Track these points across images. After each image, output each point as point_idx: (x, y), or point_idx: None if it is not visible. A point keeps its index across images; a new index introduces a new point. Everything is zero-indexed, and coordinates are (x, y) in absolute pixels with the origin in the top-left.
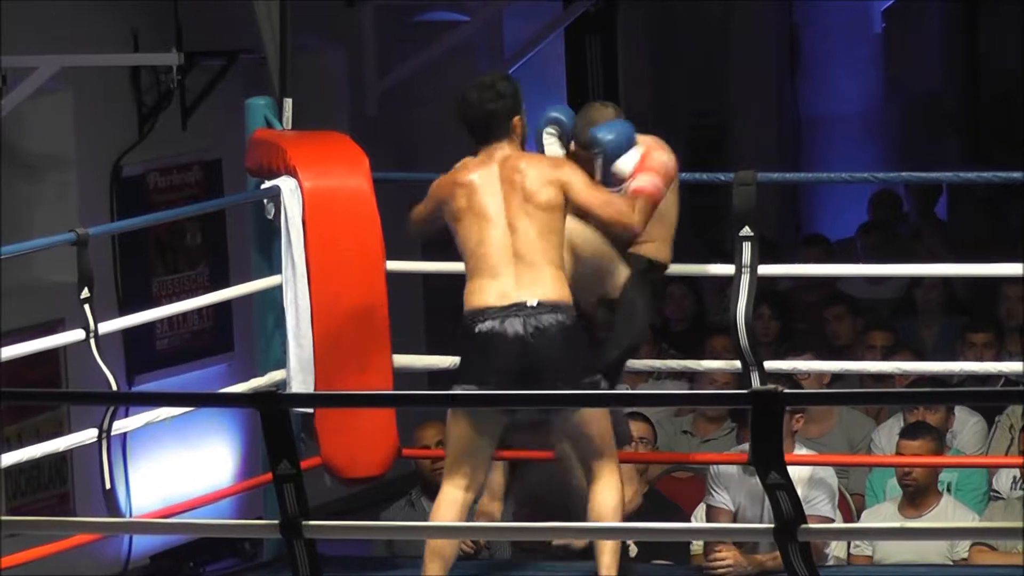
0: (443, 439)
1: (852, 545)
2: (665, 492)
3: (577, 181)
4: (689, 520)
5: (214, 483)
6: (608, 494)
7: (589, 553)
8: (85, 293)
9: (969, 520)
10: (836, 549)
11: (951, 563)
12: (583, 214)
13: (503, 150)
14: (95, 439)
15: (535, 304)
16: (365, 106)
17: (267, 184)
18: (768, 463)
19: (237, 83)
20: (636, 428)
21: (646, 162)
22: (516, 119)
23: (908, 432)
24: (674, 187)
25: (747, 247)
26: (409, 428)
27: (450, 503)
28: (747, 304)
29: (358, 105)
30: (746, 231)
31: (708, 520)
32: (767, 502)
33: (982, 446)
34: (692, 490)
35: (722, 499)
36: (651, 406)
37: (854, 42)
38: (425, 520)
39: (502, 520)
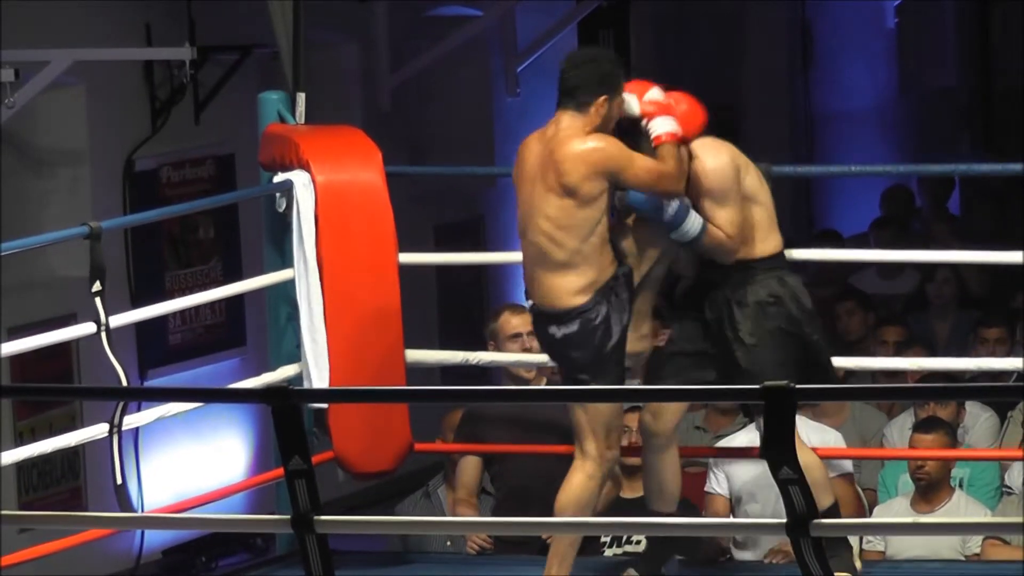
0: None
1: (864, 540)
2: None
3: (628, 164)
4: (700, 515)
5: (226, 478)
6: (567, 491)
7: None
8: (97, 287)
9: (981, 515)
10: None
11: (963, 558)
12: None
13: (562, 121)
14: (107, 434)
15: (530, 305)
16: (378, 100)
17: (280, 178)
18: (780, 458)
19: (250, 77)
20: (636, 419)
21: (648, 103)
22: (602, 96)
23: (921, 426)
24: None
25: None
26: (422, 422)
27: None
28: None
29: (371, 99)
30: None
31: (705, 506)
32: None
33: (994, 441)
34: (704, 485)
35: (719, 487)
36: (662, 401)
37: (867, 37)
38: (442, 512)
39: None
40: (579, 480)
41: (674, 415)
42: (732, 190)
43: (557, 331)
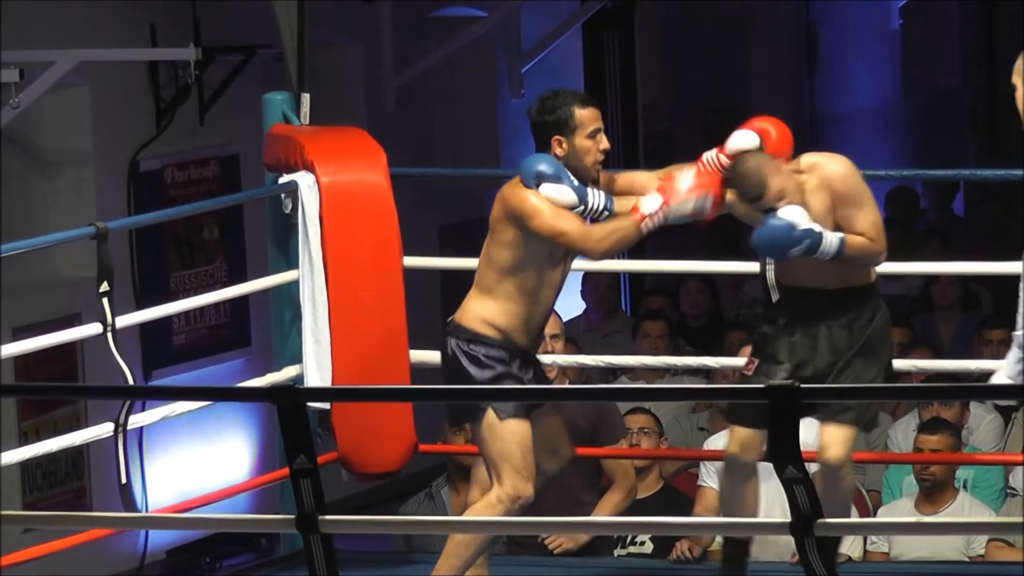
0: None
1: (868, 541)
2: (681, 488)
3: (533, 215)
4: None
5: (231, 478)
6: (474, 509)
7: (585, 550)
8: (104, 287)
9: (986, 516)
10: (852, 547)
11: (968, 559)
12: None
13: None
14: (111, 433)
15: (448, 320)
16: (382, 101)
17: (285, 179)
18: (785, 458)
19: (255, 78)
20: (636, 421)
21: (668, 183)
22: (554, 139)
23: (927, 427)
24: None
25: None
26: (426, 424)
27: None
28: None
29: (375, 100)
30: None
31: (697, 500)
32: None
33: (998, 443)
34: None
35: (711, 480)
36: (667, 401)
37: (871, 39)
38: (446, 512)
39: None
40: (480, 505)
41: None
42: (866, 192)
43: (452, 347)
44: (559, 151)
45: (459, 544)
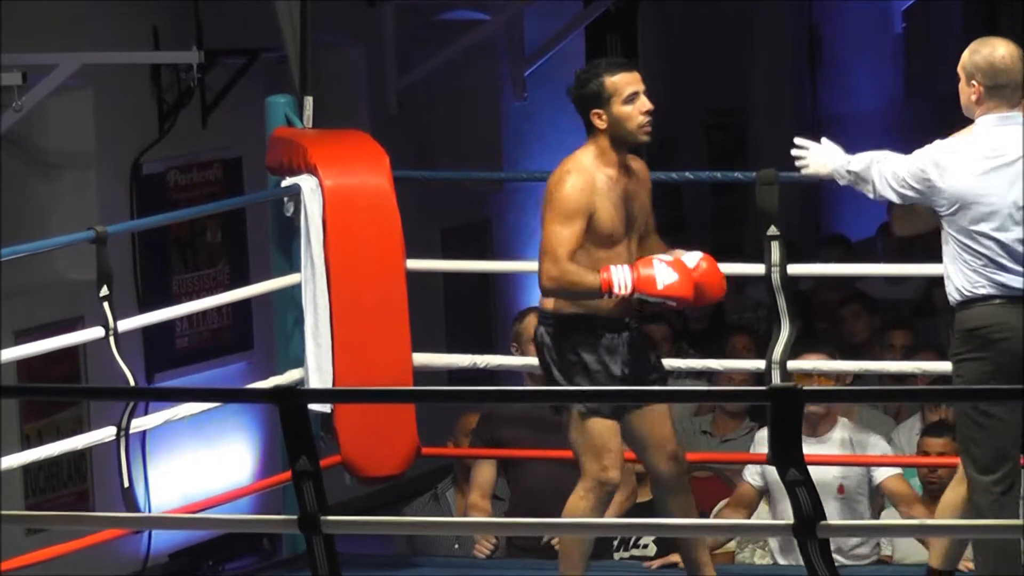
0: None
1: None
2: None
3: (548, 215)
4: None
5: (233, 481)
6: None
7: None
8: (104, 291)
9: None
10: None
11: (970, 560)
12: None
13: (585, 147)
14: (114, 437)
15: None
16: (385, 104)
17: (287, 182)
18: (787, 460)
19: (258, 81)
20: None
21: (648, 269)
22: (593, 113)
23: (931, 430)
24: None
25: (775, 246)
26: (429, 426)
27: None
28: (784, 303)
29: (378, 103)
30: (772, 231)
31: (734, 490)
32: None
33: None
34: (711, 489)
35: (752, 479)
36: (669, 403)
37: (874, 41)
38: (450, 515)
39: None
40: (571, 500)
41: None
42: None
43: (540, 335)
44: (600, 124)
45: (567, 543)
